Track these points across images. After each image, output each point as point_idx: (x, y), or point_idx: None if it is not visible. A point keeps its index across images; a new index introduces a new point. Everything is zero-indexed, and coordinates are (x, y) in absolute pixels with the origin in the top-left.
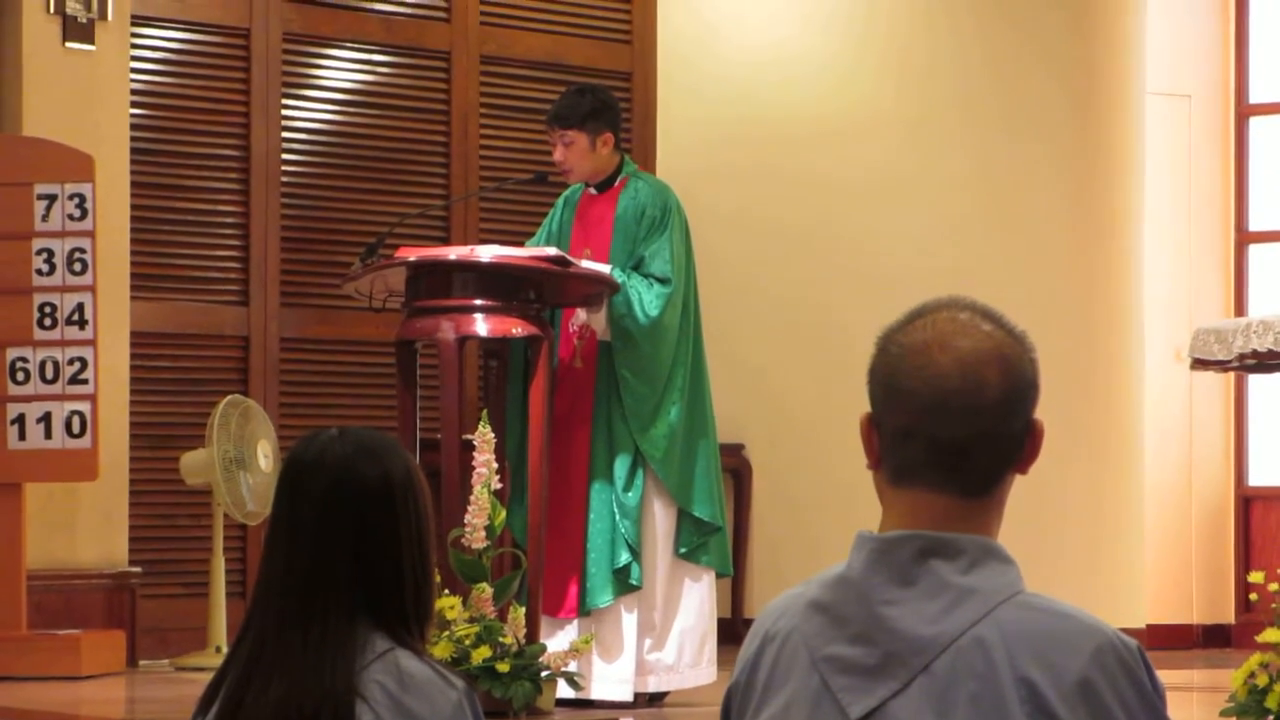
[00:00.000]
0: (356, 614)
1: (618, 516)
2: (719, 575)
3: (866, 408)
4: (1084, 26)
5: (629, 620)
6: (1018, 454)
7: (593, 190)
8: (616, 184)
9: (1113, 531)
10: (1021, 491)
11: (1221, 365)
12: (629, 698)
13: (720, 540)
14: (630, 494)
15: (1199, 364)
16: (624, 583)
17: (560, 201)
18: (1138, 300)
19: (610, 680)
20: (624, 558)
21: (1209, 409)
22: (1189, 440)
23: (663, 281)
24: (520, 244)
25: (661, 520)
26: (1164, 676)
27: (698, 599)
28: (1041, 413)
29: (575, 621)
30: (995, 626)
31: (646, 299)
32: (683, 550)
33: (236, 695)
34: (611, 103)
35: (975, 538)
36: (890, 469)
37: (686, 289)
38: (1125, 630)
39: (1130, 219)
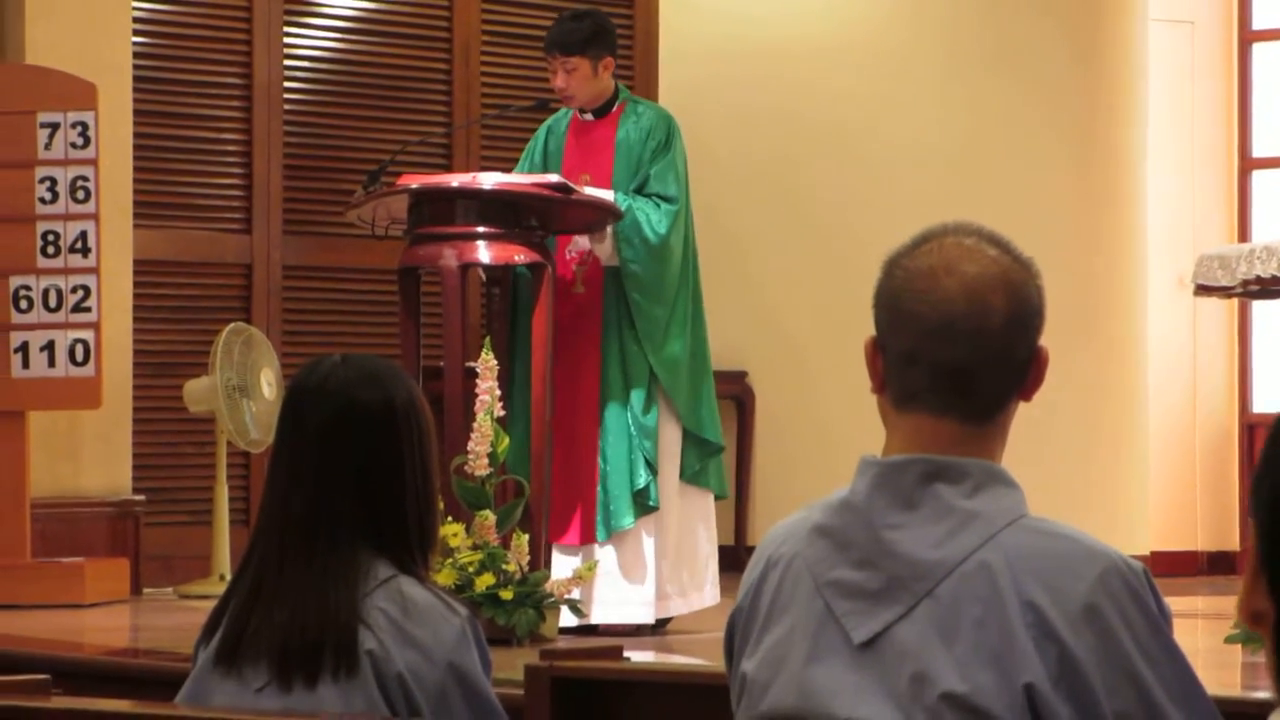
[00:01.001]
0: (359, 541)
1: (637, 437)
2: (717, 497)
3: (868, 334)
4: None
5: (648, 542)
6: (1022, 380)
7: (588, 116)
8: (615, 109)
9: (1117, 458)
10: (1026, 418)
11: (1225, 291)
12: (651, 620)
13: (719, 462)
14: (648, 415)
15: (1202, 290)
16: (643, 504)
17: (543, 131)
18: (1141, 227)
19: (634, 603)
20: (643, 478)
21: (1213, 335)
22: (1193, 367)
23: (669, 200)
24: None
25: (671, 442)
26: (1169, 603)
27: (704, 520)
28: (1045, 340)
29: (591, 548)
30: (1000, 550)
31: (654, 218)
32: (688, 473)
33: (240, 623)
34: (609, 26)
35: (980, 461)
36: (894, 393)
37: (687, 212)
38: (1130, 556)
39: (1133, 146)
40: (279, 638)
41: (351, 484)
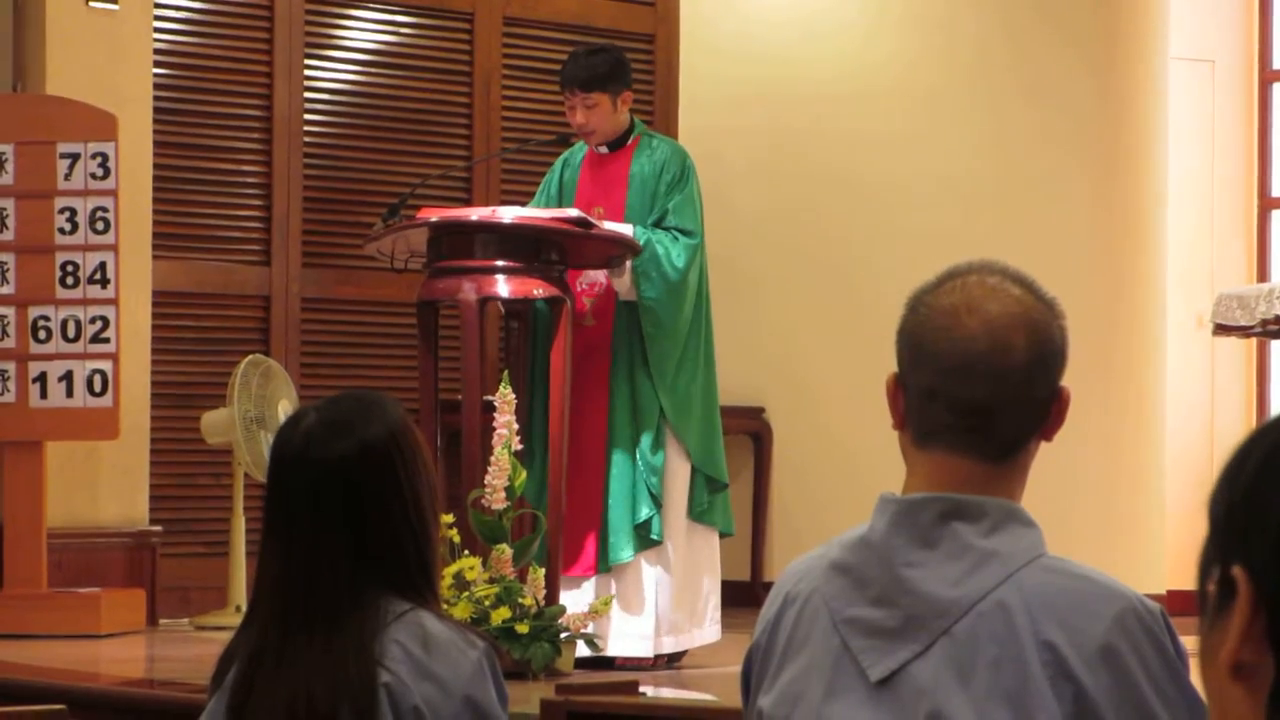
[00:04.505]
0: (364, 588)
1: (643, 473)
2: (722, 535)
3: (886, 372)
4: None
5: (649, 576)
6: (1042, 420)
7: (603, 149)
8: (630, 143)
9: (1134, 497)
10: (1043, 457)
11: (1244, 331)
12: (649, 654)
13: (725, 500)
14: (657, 453)
15: (1221, 330)
16: (645, 538)
17: (559, 163)
18: (1160, 266)
19: (631, 636)
20: (645, 512)
21: (1231, 375)
22: (1210, 406)
23: (688, 235)
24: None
25: (679, 479)
26: (1186, 643)
27: (708, 558)
28: (1063, 377)
29: (592, 579)
30: (1017, 590)
31: (674, 253)
32: (696, 510)
33: (246, 686)
34: (625, 60)
35: (998, 501)
36: (915, 430)
37: (703, 248)
38: (1146, 596)
39: (1153, 185)
40: (289, 704)
41: (345, 535)
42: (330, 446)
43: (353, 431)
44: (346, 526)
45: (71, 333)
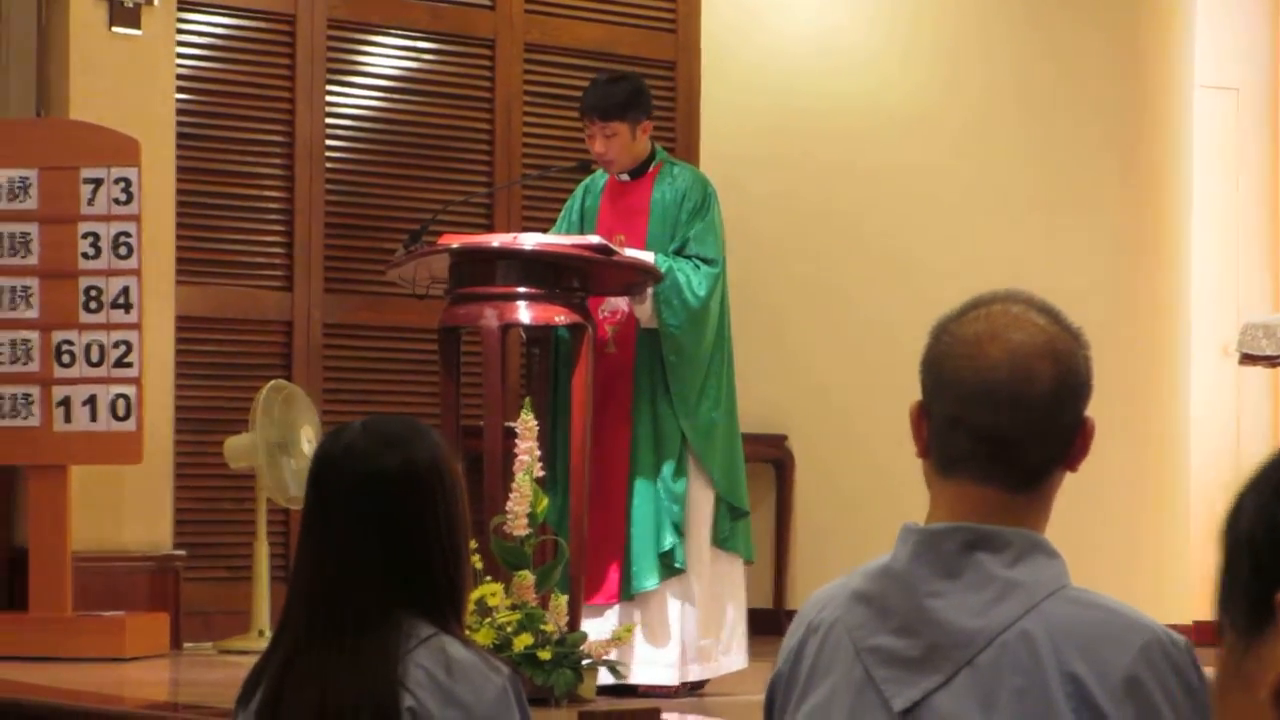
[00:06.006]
0: (392, 605)
1: (665, 501)
2: (745, 563)
3: (909, 399)
4: (1132, 21)
5: (673, 604)
6: (1067, 450)
7: (624, 177)
8: (651, 170)
9: (1158, 528)
10: (1067, 487)
11: (1270, 360)
12: (674, 682)
13: (747, 527)
14: (679, 480)
15: (1247, 359)
16: (669, 566)
17: (580, 190)
18: (1185, 295)
19: (657, 664)
20: (669, 541)
21: (1257, 404)
22: (1237, 436)
23: (709, 263)
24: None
25: (701, 507)
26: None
27: (732, 585)
28: (1088, 408)
29: (616, 608)
30: (1041, 620)
31: (695, 280)
32: (719, 538)
33: (274, 698)
34: (644, 88)
35: (1021, 531)
36: (938, 458)
37: (724, 276)
38: (1172, 627)
39: (1178, 212)
40: (315, 712)
41: (378, 549)
42: (373, 459)
43: (398, 449)
44: (380, 541)
45: (95, 357)
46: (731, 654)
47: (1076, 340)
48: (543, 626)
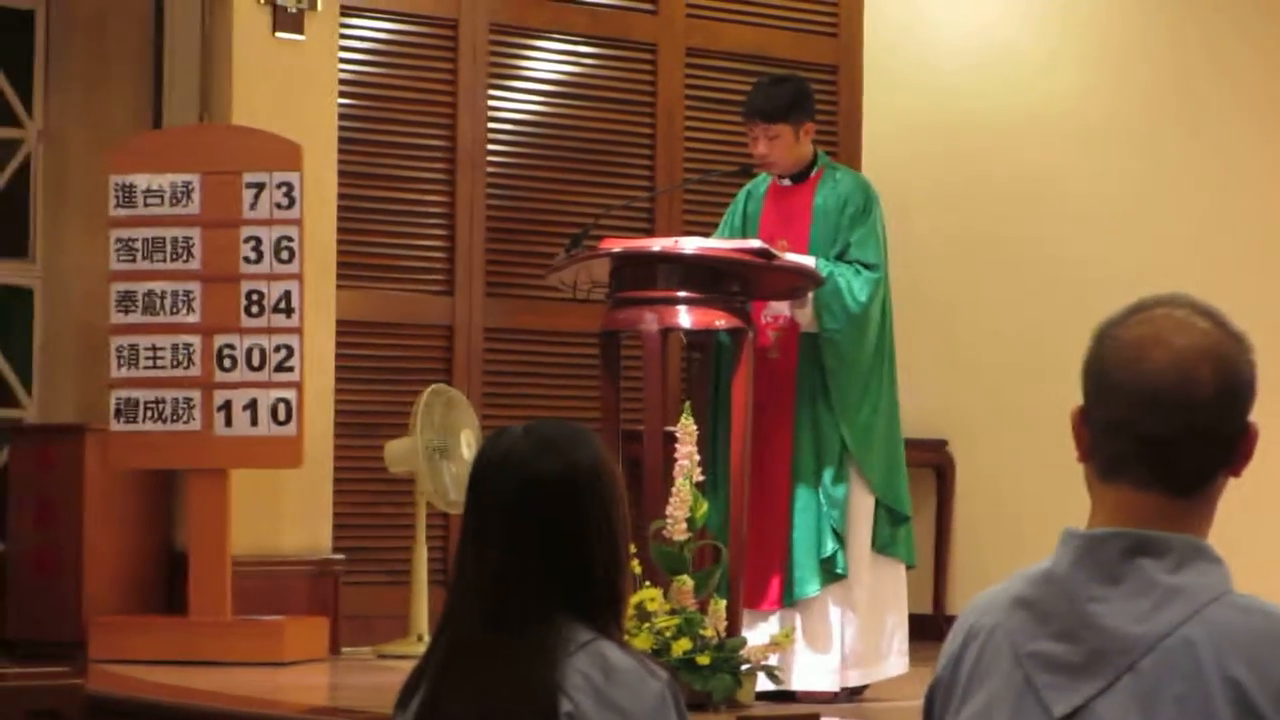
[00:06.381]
0: (552, 608)
1: (825, 507)
2: (907, 567)
3: (1071, 404)
4: None
5: (834, 610)
6: (1229, 455)
7: (786, 181)
8: (813, 175)
9: None
10: (1229, 491)
11: None
12: (834, 688)
13: (909, 531)
14: (838, 486)
15: None
16: (830, 572)
17: (743, 195)
18: None
19: (819, 670)
20: (830, 547)
21: None
22: None
23: (870, 268)
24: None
25: (862, 512)
26: None
27: (894, 590)
28: (1255, 414)
29: (777, 613)
30: (1203, 626)
31: (856, 286)
32: (880, 543)
33: (433, 698)
34: (808, 91)
35: (1183, 537)
36: (1099, 464)
37: (886, 281)
38: None
39: None
40: (473, 716)
41: (539, 553)
42: (534, 464)
43: (558, 454)
44: (540, 545)
45: (256, 361)
46: (892, 659)
47: (1240, 344)
48: (702, 631)
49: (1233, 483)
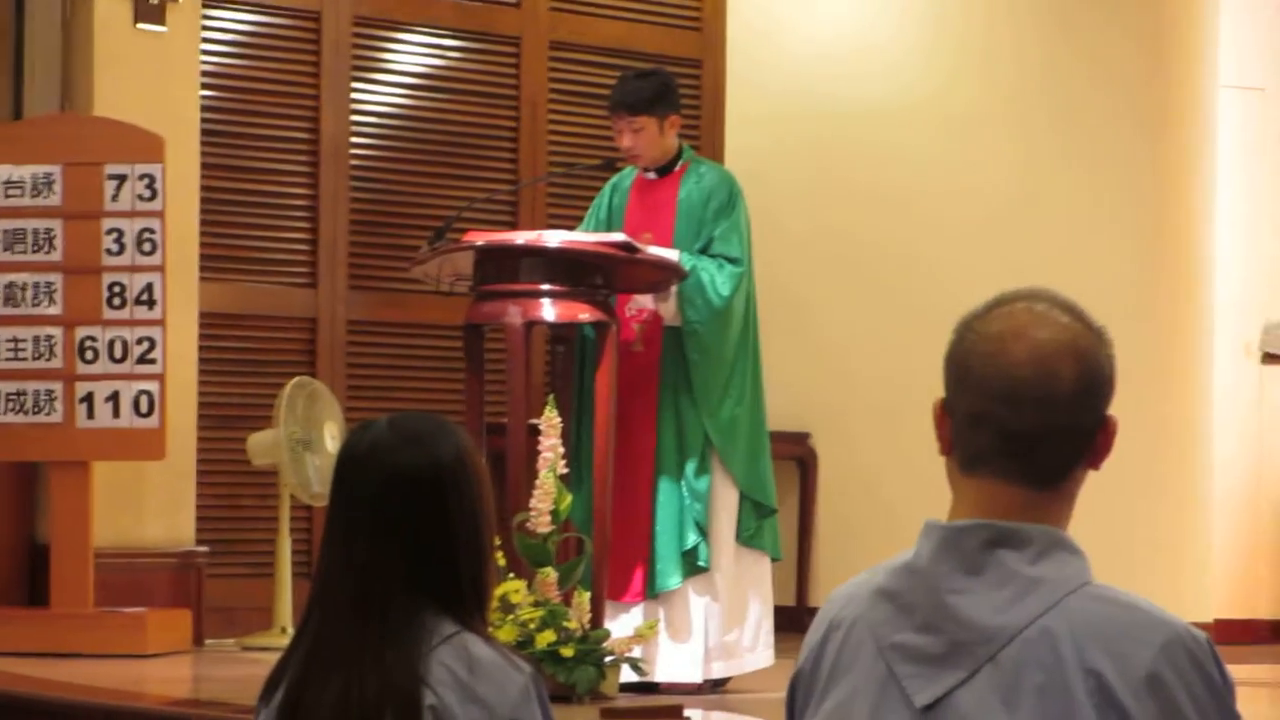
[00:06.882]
0: (418, 601)
1: (688, 499)
2: (772, 560)
3: (932, 397)
4: (1156, 22)
5: (697, 603)
6: (1089, 449)
7: (651, 175)
8: (678, 168)
9: (1180, 526)
10: (1089, 484)
11: None
12: (698, 679)
13: (774, 525)
14: (701, 478)
15: (1271, 358)
16: (692, 564)
17: (608, 188)
18: (1208, 293)
19: (682, 662)
20: (692, 539)
21: (1278, 403)
22: (1259, 435)
23: (734, 262)
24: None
25: (726, 504)
26: (1233, 671)
27: (758, 582)
28: (1111, 406)
29: (640, 605)
30: (1063, 617)
31: (719, 279)
32: (744, 535)
33: (296, 690)
34: (673, 84)
35: (1043, 528)
36: (960, 456)
37: (750, 274)
38: (1193, 624)
39: (1200, 213)
40: (336, 708)
41: (403, 546)
42: (398, 456)
43: (422, 446)
44: (404, 538)
45: (118, 353)
46: (757, 651)
47: (1100, 339)
48: (565, 623)
49: (1091, 475)
